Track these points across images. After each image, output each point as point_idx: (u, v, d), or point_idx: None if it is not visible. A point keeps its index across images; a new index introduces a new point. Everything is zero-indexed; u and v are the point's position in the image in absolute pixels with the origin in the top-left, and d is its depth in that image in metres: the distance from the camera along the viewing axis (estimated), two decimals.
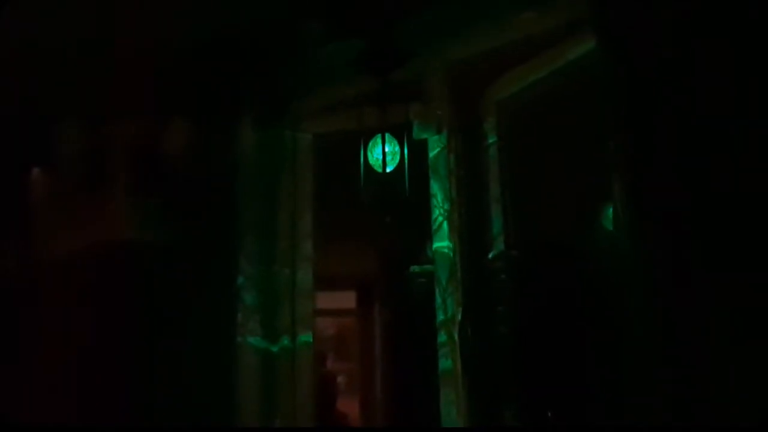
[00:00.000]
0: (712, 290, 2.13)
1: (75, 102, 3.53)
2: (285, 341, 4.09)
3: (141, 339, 3.55)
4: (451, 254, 3.78)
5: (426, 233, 3.88)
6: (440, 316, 3.76)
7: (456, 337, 3.69)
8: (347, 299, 6.52)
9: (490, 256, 3.75)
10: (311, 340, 4.18)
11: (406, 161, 3.75)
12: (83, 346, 3.34)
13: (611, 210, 2.91)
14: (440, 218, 3.82)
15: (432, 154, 3.89)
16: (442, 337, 3.74)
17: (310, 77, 3.98)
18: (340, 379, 6.74)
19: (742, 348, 2.07)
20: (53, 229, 3.49)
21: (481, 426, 3.53)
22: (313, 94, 4.12)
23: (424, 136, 3.89)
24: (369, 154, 3.75)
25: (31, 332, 3.38)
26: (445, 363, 3.71)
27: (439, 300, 3.77)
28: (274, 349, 4.07)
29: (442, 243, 3.81)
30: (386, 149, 3.72)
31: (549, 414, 3.30)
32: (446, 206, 3.82)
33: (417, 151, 3.81)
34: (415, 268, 4.38)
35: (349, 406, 6.39)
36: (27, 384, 3.42)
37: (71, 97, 3.49)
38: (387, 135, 3.75)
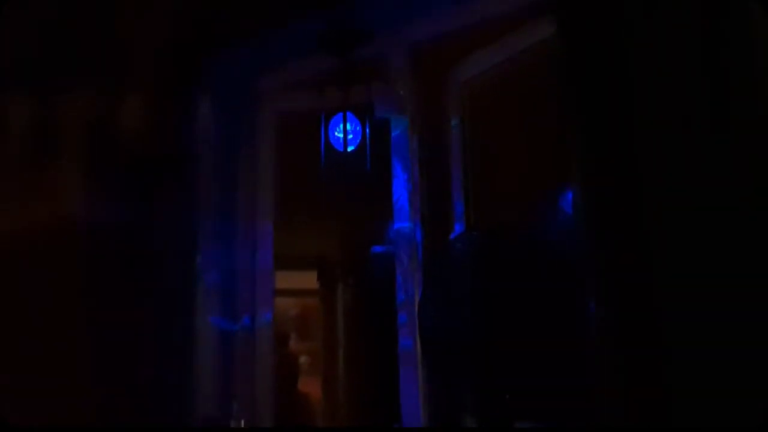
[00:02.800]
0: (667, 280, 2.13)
1: (26, 73, 3.43)
2: (245, 321, 4.07)
3: (95, 319, 3.49)
4: (412, 234, 3.78)
5: (387, 213, 3.87)
6: (401, 297, 3.77)
7: (416, 317, 3.70)
8: (310, 279, 6.49)
9: (451, 236, 3.75)
10: (272, 320, 4.15)
11: (368, 141, 3.73)
12: (34, 326, 3.27)
13: (570, 193, 2.92)
14: (402, 198, 3.81)
15: (394, 133, 3.87)
16: (402, 318, 3.76)
17: (271, 55, 3.93)
18: (302, 359, 6.73)
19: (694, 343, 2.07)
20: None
21: (449, 425, 3.56)
22: (275, 72, 4.06)
23: (387, 115, 3.88)
24: (330, 132, 3.73)
25: None
26: (405, 342, 3.72)
27: (400, 280, 3.78)
28: (234, 329, 4.04)
29: (403, 223, 3.81)
30: (348, 128, 3.70)
31: (507, 397, 3.31)
32: (408, 186, 3.81)
33: (379, 131, 3.80)
34: (376, 249, 4.38)
35: (311, 386, 6.38)
36: None
37: (21, 67, 3.39)
38: (349, 114, 3.72)
